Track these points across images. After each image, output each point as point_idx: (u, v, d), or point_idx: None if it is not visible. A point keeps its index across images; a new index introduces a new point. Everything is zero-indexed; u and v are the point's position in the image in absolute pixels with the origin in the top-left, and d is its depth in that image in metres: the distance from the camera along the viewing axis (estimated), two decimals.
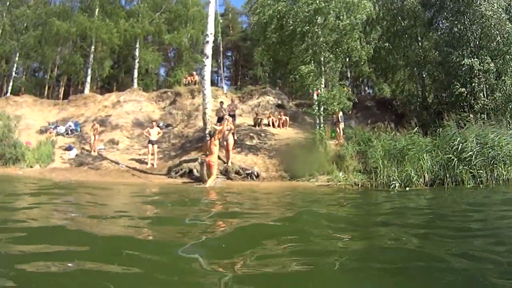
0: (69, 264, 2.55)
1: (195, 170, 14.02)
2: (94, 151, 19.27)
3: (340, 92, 16.01)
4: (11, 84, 32.95)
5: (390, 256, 3.04)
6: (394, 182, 11.92)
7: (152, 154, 16.97)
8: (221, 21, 23.90)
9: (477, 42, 19.47)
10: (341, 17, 16.09)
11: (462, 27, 19.80)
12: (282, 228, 4.31)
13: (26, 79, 39.52)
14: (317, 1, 16.00)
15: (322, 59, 16.34)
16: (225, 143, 14.87)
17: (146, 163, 16.93)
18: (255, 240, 3.51)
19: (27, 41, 31.78)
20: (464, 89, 18.62)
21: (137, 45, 32.40)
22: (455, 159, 12.10)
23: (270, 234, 3.81)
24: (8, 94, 30.31)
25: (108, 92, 29.62)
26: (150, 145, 16.97)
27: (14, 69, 33.70)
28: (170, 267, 2.67)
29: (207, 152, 13.47)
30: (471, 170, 11.96)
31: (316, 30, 16.33)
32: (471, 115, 15.44)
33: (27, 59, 36.06)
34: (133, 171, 16.19)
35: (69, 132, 21.88)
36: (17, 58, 33.15)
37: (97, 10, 31.86)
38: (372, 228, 4.77)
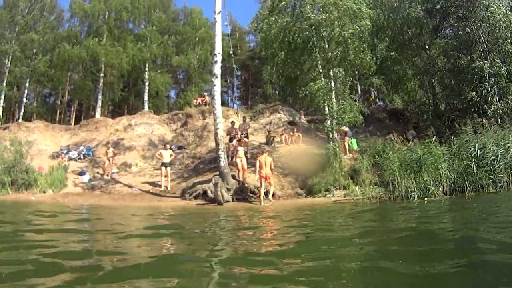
0: None
1: (209, 191, 13.84)
2: (108, 175, 19.28)
3: (351, 105, 15.87)
4: (22, 110, 33.32)
5: None
6: (412, 193, 11.68)
7: (166, 176, 16.87)
8: (228, 41, 23.85)
9: (485, 46, 19.25)
10: (346, 27, 16.04)
11: (469, 31, 19.60)
12: None
13: (38, 104, 40.01)
14: (319, 15, 16.01)
15: (331, 74, 16.20)
16: (239, 163, 14.84)
17: (160, 186, 16.82)
18: None
19: (37, 67, 32.31)
20: (475, 93, 18.39)
21: (146, 68, 32.73)
22: (474, 166, 11.83)
23: None
24: (20, 120, 30.57)
25: (119, 115, 29.77)
26: (163, 168, 16.88)
27: (25, 95, 34.18)
28: None
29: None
30: (490, 176, 11.68)
31: (323, 44, 16.26)
32: (484, 121, 15.18)
33: (38, 84, 36.52)
34: (147, 194, 16.10)
35: (82, 156, 21.98)
36: (27, 84, 33.60)
37: (105, 34, 32.19)
38: None
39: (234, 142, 16.88)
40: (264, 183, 13.52)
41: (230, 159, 16.47)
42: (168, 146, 18.22)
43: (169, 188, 16.57)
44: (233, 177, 14.80)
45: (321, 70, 16.26)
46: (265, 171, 13.55)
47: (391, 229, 6.36)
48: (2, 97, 32.36)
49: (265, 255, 4.37)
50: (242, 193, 14.06)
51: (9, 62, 32.26)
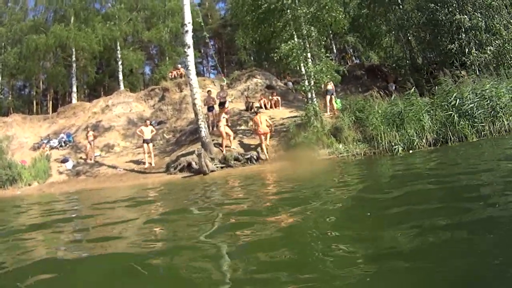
0: None
1: (193, 163, 13.78)
2: (91, 159, 19.06)
3: (327, 64, 15.73)
4: None
5: None
6: (396, 146, 11.73)
7: (149, 153, 16.75)
8: (199, 11, 23.39)
9: None
10: None
11: None
12: None
13: (13, 98, 39.17)
14: None
15: (304, 32, 16.01)
16: (222, 130, 14.96)
17: (144, 163, 16.71)
18: None
19: (7, 60, 31.52)
20: (453, 46, 18.40)
21: (118, 47, 32.03)
22: (455, 115, 11.90)
23: None
24: None
25: (95, 98, 29.24)
26: (145, 144, 16.73)
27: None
28: None
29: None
30: (474, 124, 11.77)
31: (292, 4, 16.00)
32: (463, 72, 15.21)
33: (11, 77, 35.80)
34: (132, 173, 16.01)
35: (63, 144, 21.66)
36: (0, 78, 32.84)
37: (72, 18, 31.45)
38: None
39: (216, 110, 17.09)
40: (263, 140, 14.34)
41: (210, 128, 16.41)
42: (148, 122, 18.02)
43: (153, 164, 16.52)
44: (217, 145, 14.79)
45: (293, 30, 16.04)
46: (262, 128, 14.39)
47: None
48: None
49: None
50: (226, 161, 14.02)
51: None
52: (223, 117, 15.53)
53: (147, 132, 16.86)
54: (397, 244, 2.35)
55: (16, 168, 17.25)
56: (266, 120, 14.85)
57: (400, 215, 3.10)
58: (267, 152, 14.30)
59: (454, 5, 19.10)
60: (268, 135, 14.76)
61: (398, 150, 11.66)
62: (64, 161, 19.33)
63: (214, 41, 48.48)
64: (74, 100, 29.98)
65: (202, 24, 18.10)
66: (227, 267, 2.29)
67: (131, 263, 2.40)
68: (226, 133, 15.00)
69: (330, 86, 16.59)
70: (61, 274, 2.37)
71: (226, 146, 14.86)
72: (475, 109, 11.93)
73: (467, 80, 13.49)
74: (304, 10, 15.60)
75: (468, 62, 17.88)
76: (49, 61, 35.72)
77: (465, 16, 18.26)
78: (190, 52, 14.99)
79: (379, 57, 29.04)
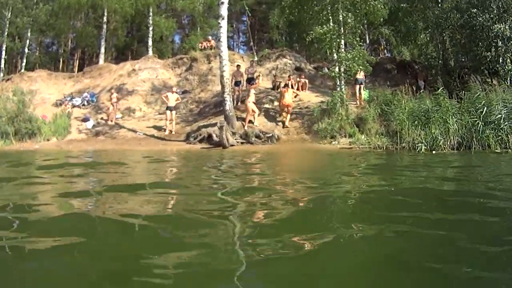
0: None
1: (214, 135, 13.76)
2: (111, 120, 19.19)
3: (360, 54, 15.49)
4: (24, 60, 32.99)
5: None
6: (420, 144, 11.53)
7: (171, 120, 16.83)
8: None
9: (501, 5, 18.66)
10: None
11: None
12: None
13: (40, 54, 39.47)
14: None
15: (340, 18, 15.75)
16: (250, 106, 15.07)
17: (164, 130, 16.80)
18: None
19: (38, 16, 31.61)
20: (488, 53, 18.01)
21: (150, 13, 31.86)
22: (481, 123, 11.64)
23: None
24: (23, 70, 30.24)
25: (123, 61, 29.28)
26: (168, 112, 16.80)
27: (27, 45, 33.64)
28: None
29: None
30: (499, 134, 11.50)
31: None
32: (494, 81, 14.88)
33: (40, 34, 35.98)
34: (151, 139, 16.07)
35: (85, 103, 21.85)
36: (29, 34, 33.04)
37: None
38: None
39: (243, 85, 17.32)
40: (285, 111, 15.21)
41: (235, 103, 16.35)
42: (174, 89, 18.04)
43: (173, 132, 16.55)
44: (239, 120, 14.81)
45: (330, 15, 15.79)
46: (286, 100, 15.06)
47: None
48: (4, 48, 31.90)
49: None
50: (247, 137, 14.02)
51: (10, 14, 31.61)
52: (253, 93, 15.56)
53: (172, 99, 16.89)
54: None
55: (36, 122, 17.50)
56: (292, 93, 15.68)
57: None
58: (287, 125, 14.97)
59: (495, 11, 18.64)
60: (290, 109, 15.28)
61: (421, 148, 11.44)
62: (85, 120, 19.50)
63: (247, 17, 48.14)
64: (101, 61, 30.00)
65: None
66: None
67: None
68: (252, 109, 15.03)
69: (361, 75, 16.37)
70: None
71: (249, 122, 14.88)
72: (502, 120, 11.66)
73: (497, 89, 13.18)
74: None
75: (501, 72, 17.50)
76: (80, 21, 35.92)
77: (506, 26, 17.82)
78: (224, 23, 14.87)
79: (411, 54, 28.61)
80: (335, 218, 2.52)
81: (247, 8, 20.92)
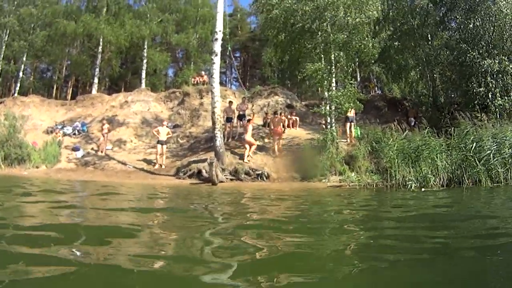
0: None
1: (204, 171, 13.74)
2: (102, 151, 19.10)
3: (351, 92, 15.63)
4: (18, 84, 33.09)
5: None
6: (410, 182, 11.54)
7: (161, 154, 16.77)
8: (229, 21, 23.50)
9: (489, 41, 19.03)
10: (351, 14, 15.72)
11: (475, 24, 19.36)
12: None
13: (34, 79, 39.60)
14: None
15: (332, 57, 15.95)
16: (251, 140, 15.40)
17: (154, 164, 16.71)
18: None
19: (35, 41, 31.96)
20: (480, 89, 18.25)
21: (145, 46, 32.26)
22: (472, 159, 11.70)
23: None
24: (16, 94, 30.28)
25: (115, 92, 29.45)
26: (159, 145, 16.79)
27: (22, 69, 33.81)
28: None
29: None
30: (489, 170, 11.55)
31: (325, 28, 15.96)
32: (483, 116, 15.05)
33: (36, 59, 36.23)
34: (141, 172, 15.97)
35: (76, 132, 21.80)
36: (25, 58, 33.28)
37: (104, 10, 31.77)
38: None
39: (234, 121, 17.69)
40: (276, 139, 15.77)
41: (226, 139, 16.39)
42: (165, 123, 18.07)
43: (163, 166, 16.46)
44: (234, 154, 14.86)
45: (322, 54, 15.98)
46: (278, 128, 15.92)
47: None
48: None
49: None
50: (237, 174, 13.95)
51: (7, 36, 31.90)
52: (250, 129, 15.67)
53: (163, 133, 16.93)
54: None
55: (27, 148, 17.34)
56: (283, 122, 16.62)
57: None
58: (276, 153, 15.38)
59: (484, 47, 18.97)
60: (281, 136, 16.11)
61: (411, 186, 11.44)
62: (75, 149, 19.43)
63: (240, 54, 48.67)
64: (94, 91, 30.18)
65: (227, 36, 18.20)
66: None
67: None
68: (251, 143, 15.21)
69: (351, 113, 16.50)
70: None
71: (248, 156, 14.91)
72: (491, 155, 11.73)
73: (486, 124, 13.32)
74: (336, 35, 15.54)
75: (492, 107, 17.72)
76: (75, 49, 36.23)
77: (495, 61, 18.12)
78: (217, 60, 15.00)
79: (402, 91, 28.93)
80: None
81: (229, 48, 21.17)
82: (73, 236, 3.25)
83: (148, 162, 17.27)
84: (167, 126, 17.93)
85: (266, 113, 20.32)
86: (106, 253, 2.89)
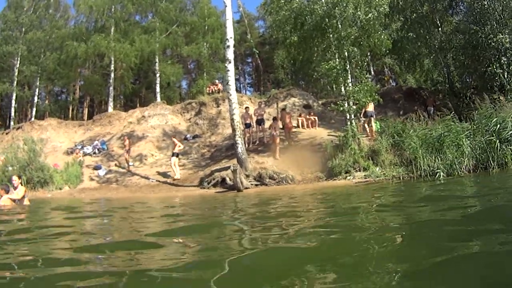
0: None
1: (227, 179, 13.71)
2: (128, 166, 19.33)
3: (367, 86, 15.49)
4: (34, 109, 33.54)
5: None
6: (438, 171, 11.35)
7: (174, 165, 16.80)
8: (237, 28, 23.58)
9: (499, 19, 18.78)
10: (360, 9, 15.57)
11: (483, 5, 19.14)
12: None
13: (50, 103, 40.11)
14: None
15: (346, 53, 15.81)
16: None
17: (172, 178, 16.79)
18: None
19: (46, 65, 32.38)
20: (497, 70, 18.01)
21: (157, 60, 32.41)
22: (497, 141, 11.46)
23: None
24: (33, 119, 30.63)
25: (131, 108, 29.64)
26: (173, 158, 16.87)
27: (37, 93, 34.30)
28: None
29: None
30: None
31: (336, 24, 15.83)
32: (501, 97, 14.78)
33: (49, 82, 36.65)
34: (164, 185, 16.02)
35: (96, 151, 21.96)
36: (38, 83, 33.70)
37: (112, 29, 32.02)
38: None
39: (253, 126, 17.95)
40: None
41: (247, 145, 16.37)
42: (177, 136, 18.18)
43: (179, 177, 16.53)
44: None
45: (335, 51, 15.88)
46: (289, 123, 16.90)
47: None
48: (14, 97, 32.53)
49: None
50: (261, 179, 13.88)
51: (18, 62, 32.39)
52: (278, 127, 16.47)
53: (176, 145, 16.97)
54: None
55: (48, 171, 17.46)
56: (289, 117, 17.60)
57: None
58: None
59: (494, 25, 18.74)
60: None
61: (440, 175, 11.25)
62: (97, 168, 19.55)
63: (251, 59, 48.68)
64: (110, 109, 30.40)
65: (251, 40, 18.28)
66: None
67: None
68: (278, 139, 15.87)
69: (370, 108, 16.36)
70: None
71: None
72: None
73: (506, 105, 13.08)
74: (348, 31, 15.41)
75: (508, 86, 17.47)
76: (87, 69, 36.51)
77: (506, 36, 17.89)
78: (231, 67, 14.99)
79: (416, 80, 28.70)
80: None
81: (255, 50, 21.11)
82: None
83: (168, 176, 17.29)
84: (186, 138, 18.01)
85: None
86: None
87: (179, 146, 17.41)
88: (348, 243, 3.03)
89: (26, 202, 9.10)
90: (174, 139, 17.45)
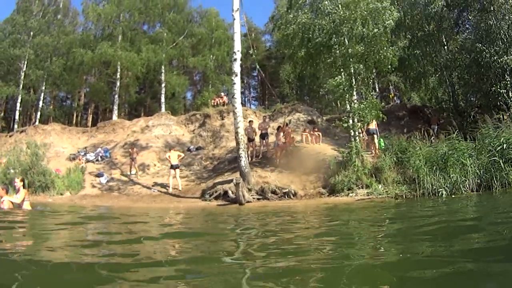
0: None
1: (230, 192, 13.68)
2: (136, 173, 19.53)
3: (372, 103, 15.48)
4: (39, 113, 33.63)
5: None
6: (441, 190, 11.32)
7: (174, 177, 16.80)
8: (244, 41, 23.71)
9: (505, 39, 18.81)
10: (367, 26, 15.60)
11: (491, 23, 19.17)
12: None
13: (54, 108, 40.23)
14: (341, 12, 15.68)
15: (352, 70, 15.82)
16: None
17: (171, 187, 16.73)
18: None
19: (52, 69, 32.44)
20: (497, 87, 18.02)
21: (162, 70, 32.55)
22: (500, 161, 11.42)
23: None
24: (37, 123, 30.72)
25: (135, 117, 29.75)
26: (172, 170, 16.85)
27: (42, 98, 34.36)
28: None
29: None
30: None
31: (343, 40, 15.88)
32: (505, 116, 14.75)
33: (54, 87, 36.80)
34: (166, 195, 15.96)
35: (99, 158, 21.97)
36: (43, 87, 33.81)
37: (120, 37, 32.19)
38: None
39: (256, 141, 18.09)
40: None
41: (250, 159, 16.33)
42: (175, 148, 18.24)
43: (180, 189, 16.51)
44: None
45: (341, 68, 15.88)
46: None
47: None
48: (19, 100, 32.66)
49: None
50: (264, 193, 13.84)
51: (25, 66, 32.56)
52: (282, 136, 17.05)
53: (174, 157, 16.98)
54: None
55: (50, 175, 17.42)
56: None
57: None
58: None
59: (500, 44, 18.76)
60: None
61: (443, 194, 11.21)
62: (99, 175, 19.54)
63: (257, 73, 48.80)
64: (115, 117, 30.49)
65: (255, 53, 18.37)
66: None
67: None
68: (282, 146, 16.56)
69: (373, 125, 16.35)
70: None
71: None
72: None
73: (511, 125, 13.04)
74: (355, 48, 15.42)
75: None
76: (93, 76, 36.69)
77: (511, 57, 17.93)
78: (237, 80, 15.03)
79: (421, 99, 28.71)
80: None
81: (258, 67, 21.21)
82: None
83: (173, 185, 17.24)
84: (189, 149, 18.04)
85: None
86: None
87: (180, 155, 17.55)
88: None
89: (27, 206, 8.90)
90: (172, 152, 17.43)
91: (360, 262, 3.37)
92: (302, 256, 3.65)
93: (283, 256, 3.66)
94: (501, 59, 18.04)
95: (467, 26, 22.65)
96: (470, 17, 21.32)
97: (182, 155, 18.41)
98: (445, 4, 21.74)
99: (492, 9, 19.03)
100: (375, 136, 16.51)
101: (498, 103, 18.11)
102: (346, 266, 3.10)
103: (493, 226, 4.96)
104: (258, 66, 22.17)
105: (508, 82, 18.13)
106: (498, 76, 18.70)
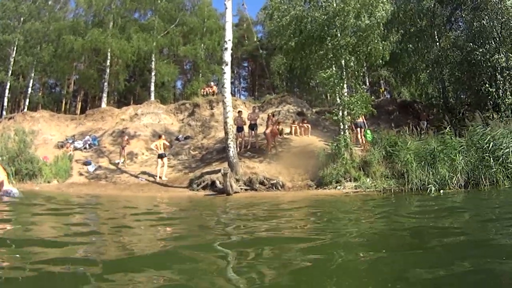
0: None
1: (217, 182, 13.58)
2: (124, 161, 19.42)
3: (363, 96, 15.45)
4: (27, 100, 33.30)
5: None
6: (430, 185, 11.31)
7: (162, 167, 16.72)
8: (235, 31, 23.62)
9: (498, 39, 18.86)
10: (362, 18, 15.53)
11: (482, 22, 19.21)
12: None
13: (43, 94, 39.87)
14: (335, 4, 15.61)
15: (343, 62, 15.76)
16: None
17: (159, 177, 16.63)
18: None
19: (41, 56, 32.12)
20: (489, 86, 18.09)
21: (153, 58, 32.31)
22: (490, 158, 11.46)
23: None
24: (25, 110, 30.43)
25: (125, 105, 29.50)
26: (159, 159, 16.76)
27: (31, 85, 34.03)
28: None
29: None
30: (507, 169, 11.28)
31: (335, 32, 15.80)
32: (494, 115, 14.82)
33: (43, 74, 36.46)
34: (153, 184, 15.87)
35: (87, 146, 21.77)
36: (33, 74, 33.48)
37: (110, 24, 31.89)
38: None
39: (245, 131, 17.95)
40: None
41: (238, 149, 16.28)
42: (163, 137, 17.96)
43: (164, 178, 16.45)
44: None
45: (333, 60, 15.83)
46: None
47: None
48: (8, 87, 32.33)
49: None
50: (251, 184, 13.80)
51: (14, 52, 32.19)
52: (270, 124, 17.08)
53: (160, 146, 16.91)
54: None
55: (38, 163, 17.25)
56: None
57: None
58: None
59: (492, 44, 18.82)
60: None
61: (431, 190, 11.19)
62: (87, 163, 19.40)
63: (248, 63, 48.67)
64: (104, 105, 30.27)
65: (258, 42, 18.32)
66: None
67: None
68: (272, 133, 16.53)
69: (360, 119, 16.38)
70: None
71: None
72: (510, 154, 11.48)
73: (498, 124, 13.08)
74: (347, 40, 15.35)
75: (502, 106, 17.52)
76: (83, 63, 36.37)
77: (503, 56, 17.98)
78: (227, 69, 14.93)
79: (411, 94, 28.80)
80: None
81: (261, 51, 21.22)
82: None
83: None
84: (177, 139, 17.86)
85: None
86: None
87: (166, 146, 17.44)
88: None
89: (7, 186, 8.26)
90: (158, 141, 17.30)
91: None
92: (287, 243, 3.62)
93: (269, 242, 3.62)
94: (493, 58, 18.09)
95: (459, 23, 22.70)
96: (463, 15, 21.34)
97: (168, 144, 18.31)
98: (438, 0, 21.75)
99: (485, 8, 19.04)
100: (361, 129, 16.55)
101: (488, 102, 18.19)
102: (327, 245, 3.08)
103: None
104: (261, 51, 22.08)
105: (500, 81, 18.19)
106: (489, 75, 18.77)
